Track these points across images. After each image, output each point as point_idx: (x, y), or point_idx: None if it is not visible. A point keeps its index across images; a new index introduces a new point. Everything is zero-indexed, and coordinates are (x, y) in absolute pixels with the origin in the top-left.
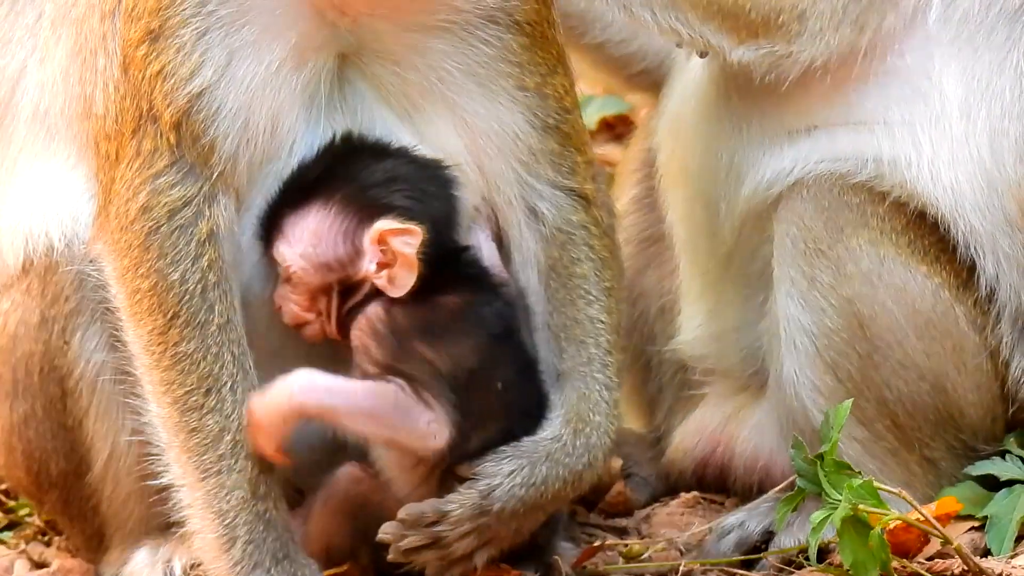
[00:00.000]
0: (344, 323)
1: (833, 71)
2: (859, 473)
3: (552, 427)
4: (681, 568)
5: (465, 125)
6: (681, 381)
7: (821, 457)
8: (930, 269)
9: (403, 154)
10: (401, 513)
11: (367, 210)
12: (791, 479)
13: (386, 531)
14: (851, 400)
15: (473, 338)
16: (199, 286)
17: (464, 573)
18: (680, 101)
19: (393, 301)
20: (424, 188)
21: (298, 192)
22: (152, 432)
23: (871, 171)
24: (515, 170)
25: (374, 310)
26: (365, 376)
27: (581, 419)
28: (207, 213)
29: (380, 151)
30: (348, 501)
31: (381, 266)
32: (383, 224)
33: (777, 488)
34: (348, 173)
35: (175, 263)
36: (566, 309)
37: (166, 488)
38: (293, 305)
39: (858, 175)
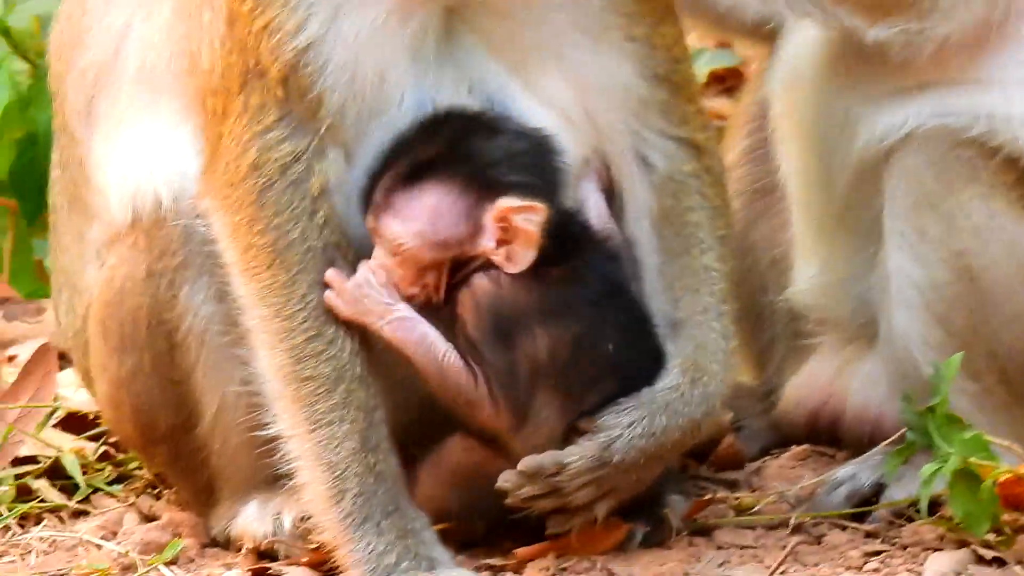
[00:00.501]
0: (450, 294)
1: (958, 40)
2: (970, 426)
3: (670, 377)
4: (792, 521)
5: (575, 77)
6: (793, 332)
7: (932, 410)
8: None
9: (514, 129)
10: (521, 465)
11: (488, 188)
12: (901, 432)
13: (505, 479)
14: (961, 354)
15: (579, 306)
16: (319, 242)
17: (584, 524)
18: (796, 55)
19: (500, 274)
20: (541, 164)
21: (411, 169)
22: (262, 382)
23: (983, 127)
24: (625, 121)
25: (480, 283)
26: (457, 346)
27: (698, 368)
28: (317, 168)
29: (492, 127)
30: (459, 471)
31: (500, 243)
32: (506, 202)
33: (887, 441)
34: (464, 151)
35: (293, 220)
36: (680, 258)
37: (275, 440)
38: (399, 280)
39: (970, 130)
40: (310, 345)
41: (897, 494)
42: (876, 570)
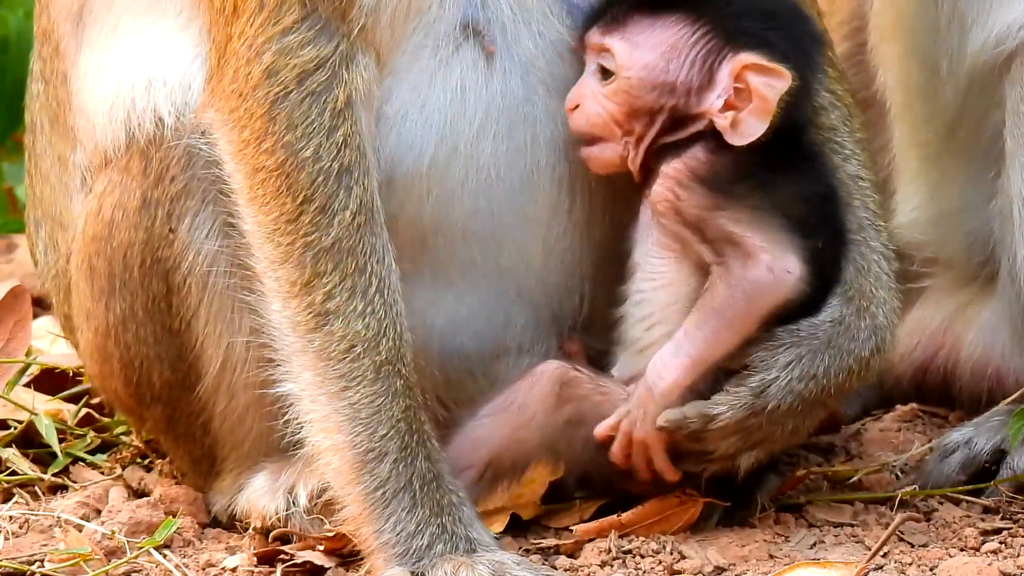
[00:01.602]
0: (650, 161)
1: None
2: None
3: (832, 308)
4: (897, 495)
5: None
6: (897, 273)
7: None
8: None
9: None
10: (660, 419)
11: (736, 38)
12: None
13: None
14: None
15: (803, 190)
16: (335, 164)
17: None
18: None
19: (720, 149)
20: (800, 35)
21: None
22: (275, 336)
23: None
24: None
25: (695, 155)
26: (661, 244)
27: (863, 296)
28: (344, 77)
29: None
30: (548, 403)
31: (728, 106)
32: (750, 57)
33: (1010, 399)
34: None
35: (307, 136)
36: None
37: (288, 400)
38: (602, 111)
39: None
40: (330, 301)
41: (1021, 462)
42: (995, 551)
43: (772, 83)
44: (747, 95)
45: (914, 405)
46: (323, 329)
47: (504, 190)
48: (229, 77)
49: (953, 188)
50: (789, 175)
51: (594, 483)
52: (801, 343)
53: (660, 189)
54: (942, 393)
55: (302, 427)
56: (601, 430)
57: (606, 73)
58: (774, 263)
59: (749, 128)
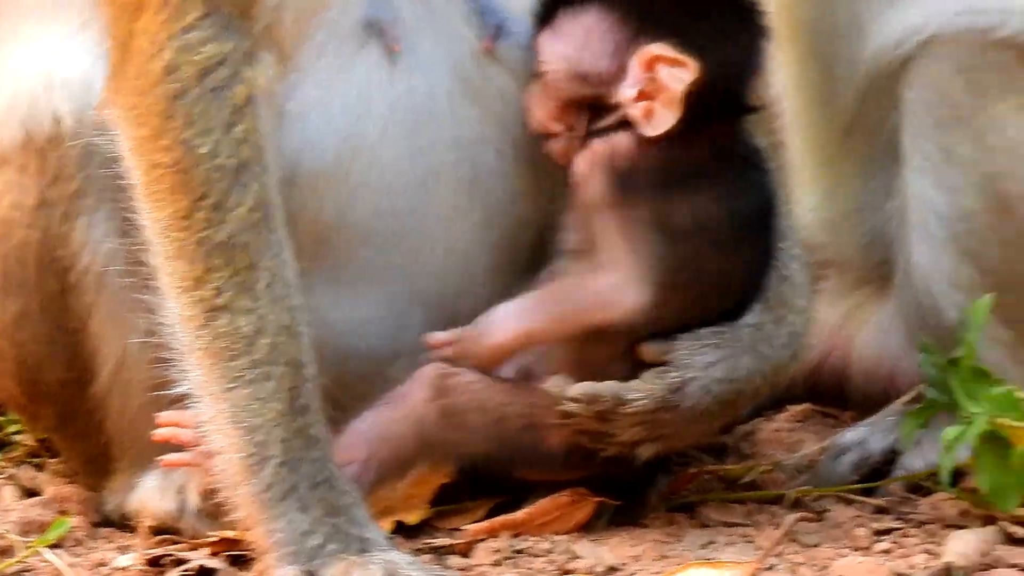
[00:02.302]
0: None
1: None
2: (1001, 381)
3: (754, 313)
4: (789, 495)
5: None
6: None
7: (955, 363)
8: None
9: None
10: (574, 390)
11: (647, 27)
12: (919, 389)
13: (555, 383)
14: (992, 295)
15: (716, 202)
16: (232, 160)
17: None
18: None
19: (641, 139)
20: (721, 26)
21: None
22: (169, 334)
23: (1018, 24)
24: None
25: (616, 140)
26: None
27: (783, 304)
28: (246, 74)
29: None
30: (436, 409)
31: (642, 96)
32: (656, 47)
33: (903, 399)
34: None
35: (205, 133)
36: None
37: (182, 400)
38: (540, 107)
39: (1002, 29)
40: (220, 297)
41: (913, 462)
42: (887, 551)
43: (678, 74)
44: (657, 86)
45: (808, 405)
46: (211, 325)
47: (405, 191)
48: (130, 74)
49: (849, 190)
50: (717, 185)
51: (483, 482)
52: (725, 344)
53: (579, 165)
54: (836, 393)
55: (200, 427)
56: (433, 338)
57: (542, 68)
58: (617, 286)
59: (660, 119)
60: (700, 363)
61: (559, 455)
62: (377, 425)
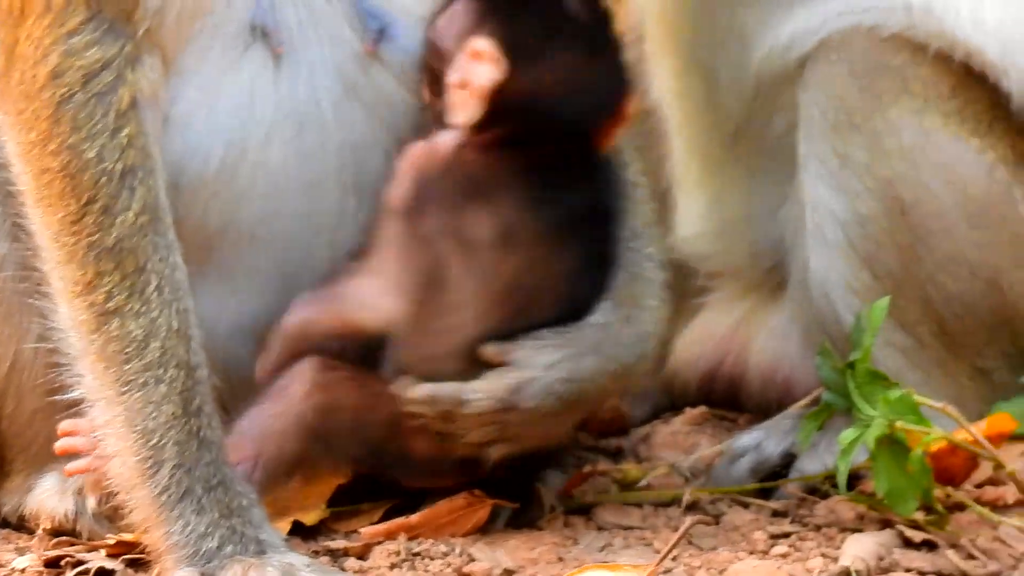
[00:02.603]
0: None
1: None
2: (897, 385)
3: (600, 313)
4: (685, 497)
5: None
6: (683, 278)
7: (852, 366)
8: (983, 142)
9: None
10: (415, 391)
11: (487, 21)
12: (816, 392)
13: (404, 385)
14: (888, 298)
15: (524, 211)
16: (119, 164)
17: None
18: None
19: (464, 134)
20: (559, 39)
21: None
22: (62, 338)
23: (901, 19)
24: None
25: (440, 134)
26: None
27: (633, 302)
28: (129, 78)
29: None
30: (313, 406)
31: (460, 84)
32: (480, 43)
33: (800, 403)
34: None
35: (91, 138)
36: None
37: (77, 404)
38: (423, 83)
39: (888, 25)
40: (110, 301)
41: (810, 466)
42: (784, 555)
43: (487, 71)
44: (471, 77)
45: (704, 408)
46: (103, 329)
47: (291, 195)
48: (16, 79)
49: (737, 197)
50: (528, 194)
51: (378, 484)
52: (565, 345)
53: (399, 163)
54: (731, 399)
55: (95, 430)
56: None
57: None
58: (376, 293)
59: (463, 110)
60: (541, 363)
61: (427, 458)
62: (260, 422)
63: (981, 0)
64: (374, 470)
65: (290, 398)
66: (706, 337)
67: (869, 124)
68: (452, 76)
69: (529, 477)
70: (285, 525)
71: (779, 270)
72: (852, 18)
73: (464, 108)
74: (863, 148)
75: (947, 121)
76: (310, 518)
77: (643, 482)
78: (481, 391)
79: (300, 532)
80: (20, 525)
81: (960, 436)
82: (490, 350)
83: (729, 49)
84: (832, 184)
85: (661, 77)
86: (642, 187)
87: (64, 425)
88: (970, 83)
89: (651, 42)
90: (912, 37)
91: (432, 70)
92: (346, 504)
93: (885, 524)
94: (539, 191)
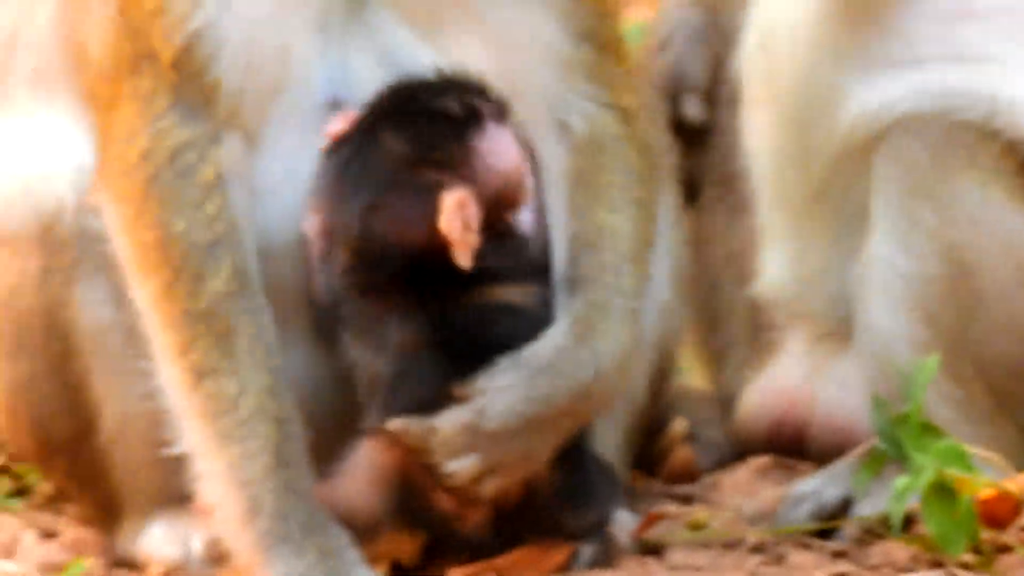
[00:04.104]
0: None
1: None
2: (946, 435)
3: (555, 335)
4: (750, 539)
5: (494, 37)
6: (754, 331)
7: (905, 417)
8: None
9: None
10: (391, 424)
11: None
12: (872, 442)
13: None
14: (938, 355)
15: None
16: (206, 236)
17: (524, 545)
18: (774, 17)
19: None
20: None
21: None
22: (164, 396)
23: (985, 109)
24: (546, 83)
25: None
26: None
27: (588, 326)
28: (212, 155)
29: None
30: (378, 475)
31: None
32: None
33: (856, 451)
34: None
35: (178, 212)
36: (585, 216)
37: (183, 455)
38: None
39: (970, 112)
40: (205, 361)
41: (866, 510)
42: None
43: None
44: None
45: (768, 457)
46: (199, 388)
47: None
48: (112, 159)
49: (817, 250)
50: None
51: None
52: (520, 367)
53: None
54: (796, 445)
55: (199, 481)
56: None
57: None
58: None
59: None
60: (497, 386)
61: (463, 520)
62: (339, 495)
63: None
64: (440, 535)
65: (366, 465)
66: (776, 386)
67: (938, 192)
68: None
69: (581, 522)
70: (384, 567)
71: (849, 322)
72: (938, 101)
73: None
74: (932, 214)
75: (1011, 195)
76: (407, 559)
77: (711, 525)
78: (445, 418)
79: (396, 572)
80: (134, 564)
81: (1008, 484)
82: (457, 390)
83: (823, 111)
84: (901, 245)
85: (755, 130)
86: (625, 231)
87: None
88: None
89: (748, 96)
90: (989, 124)
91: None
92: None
93: (936, 564)
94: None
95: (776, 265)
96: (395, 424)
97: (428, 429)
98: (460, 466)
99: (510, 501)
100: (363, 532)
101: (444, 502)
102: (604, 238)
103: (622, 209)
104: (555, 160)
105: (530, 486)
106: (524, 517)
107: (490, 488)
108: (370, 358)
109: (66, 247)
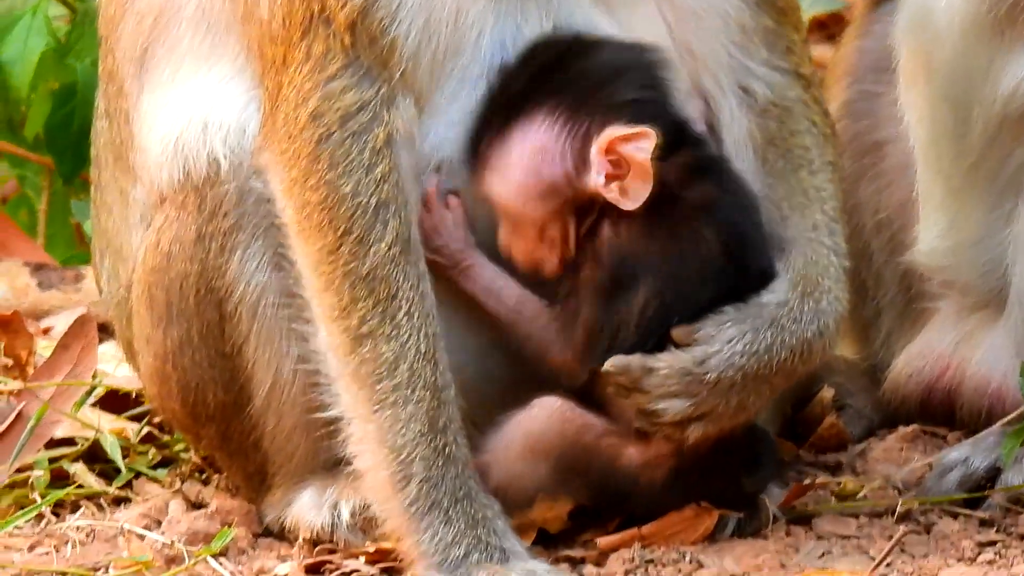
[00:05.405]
0: (581, 248)
1: None
2: None
3: (778, 291)
4: (898, 508)
5: (670, 6)
6: (905, 301)
7: None
8: None
9: (614, 45)
10: (608, 363)
11: (588, 117)
12: (1021, 409)
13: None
14: None
15: (708, 241)
16: (373, 199)
17: (671, 512)
18: None
19: (623, 214)
20: (648, 82)
21: (500, 116)
22: (320, 360)
23: None
24: (726, 50)
25: (605, 231)
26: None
27: (810, 282)
28: (385, 117)
29: (584, 47)
30: (548, 441)
31: (611, 178)
32: (611, 131)
33: (1004, 420)
34: (556, 80)
35: (347, 173)
36: (788, 178)
37: (334, 422)
38: (521, 246)
39: None
40: (364, 325)
41: (1015, 478)
42: (991, 561)
43: (641, 145)
44: (624, 164)
45: (916, 426)
46: (357, 352)
47: None
48: (280, 121)
49: (972, 219)
50: (698, 219)
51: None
52: (746, 320)
53: (583, 265)
54: (945, 413)
55: (346, 446)
56: None
57: (501, 212)
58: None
59: (636, 193)
60: (723, 337)
61: (650, 482)
62: (500, 464)
63: None
64: (605, 502)
65: (530, 433)
66: (927, 353)
67: None
68: (595, 180)
69: (754, 489)
70: (530, 534)
71: (1004, 291)
72: None
73: (633, 191)
74: None
75: None
76: (553, 527)
77: (859, 494)
78: (665, 360)
79: (540, 542)
80: (281, 534)
81: None
82: (677, 332)
83: (981, 84)
84: None
85: (912, 105)
86: (829, 190)
87: None
88: None
89: (905, 72)
90: None
91: (546, 214)
92: (581, 516)
93: None
94: (702, 219)
95: (932, 234)
96: (615, 362)
97: (646, 368)
98: (671, 406)
99: (697, 457)
100: (515, 501)
101: (629, 457)
102: (811, 199)
103: (821, 170)
104: (736, 123)
105: (718, 445)
106: (702, 478)
107: (694, 434)
108: (589, 301)
109: (224, 211)
